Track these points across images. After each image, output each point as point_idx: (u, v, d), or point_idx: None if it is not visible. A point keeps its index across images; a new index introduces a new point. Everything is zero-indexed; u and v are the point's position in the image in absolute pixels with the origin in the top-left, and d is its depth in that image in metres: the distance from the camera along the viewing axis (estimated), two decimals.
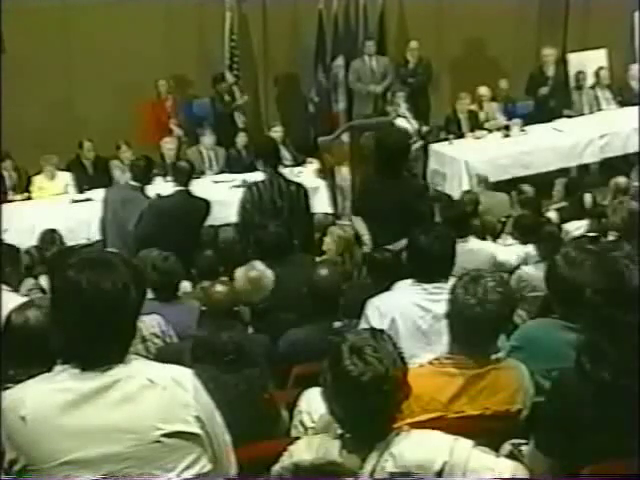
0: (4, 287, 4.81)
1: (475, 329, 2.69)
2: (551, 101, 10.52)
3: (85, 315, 1.98)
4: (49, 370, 2.08)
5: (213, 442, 2.12)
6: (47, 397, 1.99)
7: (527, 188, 7.92)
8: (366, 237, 5.47)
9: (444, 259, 3.55)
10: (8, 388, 2.17)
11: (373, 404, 2.12)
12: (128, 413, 2.00)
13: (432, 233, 3.61)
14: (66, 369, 2.02)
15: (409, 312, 3.44)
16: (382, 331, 2.27)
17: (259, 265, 4.55)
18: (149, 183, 6.71)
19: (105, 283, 1.98)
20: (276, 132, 9.33)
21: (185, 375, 2.10)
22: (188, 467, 2.06)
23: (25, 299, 3.81)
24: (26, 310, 2.74)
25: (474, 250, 5.35)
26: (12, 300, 3.50)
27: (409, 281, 3.60)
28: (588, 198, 8.09)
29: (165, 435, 2.01)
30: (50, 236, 7.23)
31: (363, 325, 3.53)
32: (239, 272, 4.55)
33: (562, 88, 10.69)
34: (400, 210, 5.20)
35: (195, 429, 2.05)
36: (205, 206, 6.26)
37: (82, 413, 1.98)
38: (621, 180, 7.73)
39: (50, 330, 2.16)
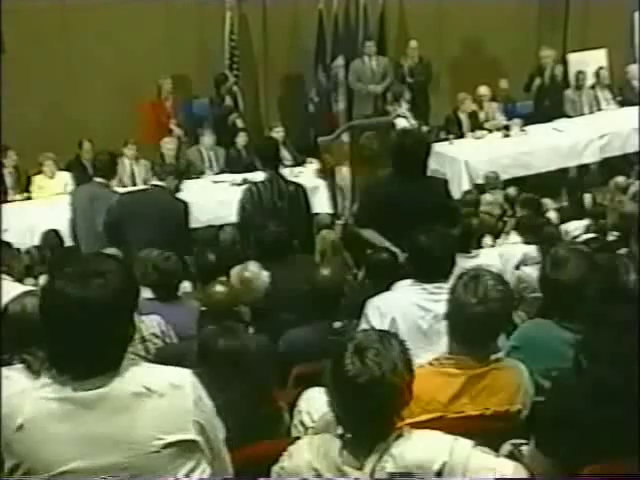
0: (8, 278, 4.83)
1: (476, 328, 2.70)
2: (546, 101, 10.55)
3: (75, 326, 1.95)
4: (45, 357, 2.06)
5: (212, 445, 2.10)
6: (44, 406, 1.98)
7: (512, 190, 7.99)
8: (394, 249, 4.88)
9: (444, 259, 3.55)
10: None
11: (368, 406, 2.11)
12: (124, 423, 1.98)
13: (432, 233, 3.62)
14: (62, 378, 2.00)
15: (409, 312, 3.44)
16: (395, 335, 2.25)
17: (253, 266, 4.55)
18: (113, 178, 6.70)
19: (93, 294, 1.95)
20: (277, 132, 9.33)
21: (184, 378, 2.07)
22: (188, 474, 2.04)
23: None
24: (23, 298, 2.83)
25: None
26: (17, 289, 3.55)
27: (409, 281, 3.60)
28: (588, 198, 8.11)
29: (164, 444, 1.99)
30: (51, 236, 7.24)
31: (363, 325, 3.53)
32: (234, 272, 4.55)
33: (558, 89, 10.71)
34: (426, 210, 4.72)
35: (195, 436, 2.03)
36: (183, 207, 6.03)
37: (78, 423, 1.97)
38: (620, 180, 7.74)
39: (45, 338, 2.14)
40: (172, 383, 2.04)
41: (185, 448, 2.03)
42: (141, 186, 8.22)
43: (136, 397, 1.99)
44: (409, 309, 3.45)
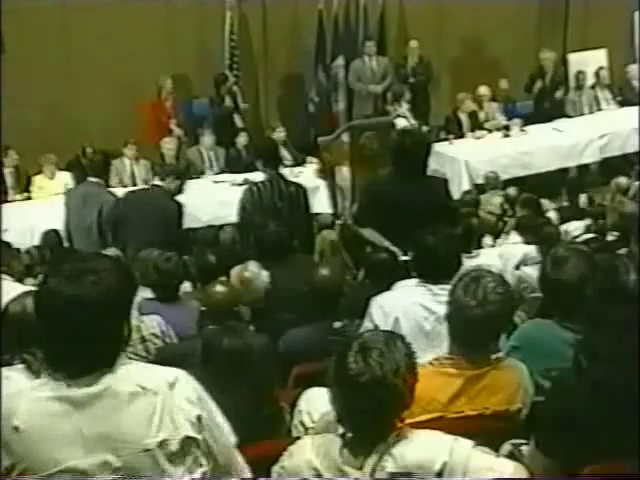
0: (8, 278, 4.84)
1: (475, 330, 2.69)
2: (546, 103, 10.56)
3: (69, 324, 1.96)
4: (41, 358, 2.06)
5: (212, 444, 2.09)
6: (39, 406, 1.98)
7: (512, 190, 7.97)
8: (393, 248, 4.85)
9: (450, 260, 3.54)
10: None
11: (368, 406, 2.12)
12: (119, 421, 1.98)
13: (439, 234, 3.61)
14: (57, 377, 2.00)
15: (413, 312, 3.44)
16: (401, 337, 2.25)
17: (253, 266, 4.55)
18: (107, 177, 6.81)
19: (86, 291, 1.95)
20: (280, 133, 9.35)
21: (179, 377, 2.06)
22: (186, 472, 2.03)
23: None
24: (23, 298, 2.84)
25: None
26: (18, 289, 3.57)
27: (414, 281, 3.59)
28: (583, 198, 8.11)
29: (160, 442, 1.99)
30: (51, 236, 7.23)
31: (367, 324, 3.53)
32: (233, 272, 4.55)
33: (557, 92, 10.72)
34: (426, 210, 4.73)
35: (191, 433, 2.02)
36: (177, 208, 6.04)
37: (74, 422, 1.97)
38: (622, 181, 7.72)
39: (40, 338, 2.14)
40: (167, 381, 2.03)
41: (182, 446, 2.02)
42: (142, 186, 8.23)
43: (131, 396, 1.99)
44: (413, 309, 3.44)
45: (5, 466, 1.99)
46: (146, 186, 6.69)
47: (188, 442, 2.03)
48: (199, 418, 2.05)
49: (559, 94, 10.69)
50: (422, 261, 3.63)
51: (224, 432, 2.14)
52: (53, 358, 2.04)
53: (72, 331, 1.96)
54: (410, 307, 3.45)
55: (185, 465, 2.04)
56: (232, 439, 2.16)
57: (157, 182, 6.18)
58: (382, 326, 3.35)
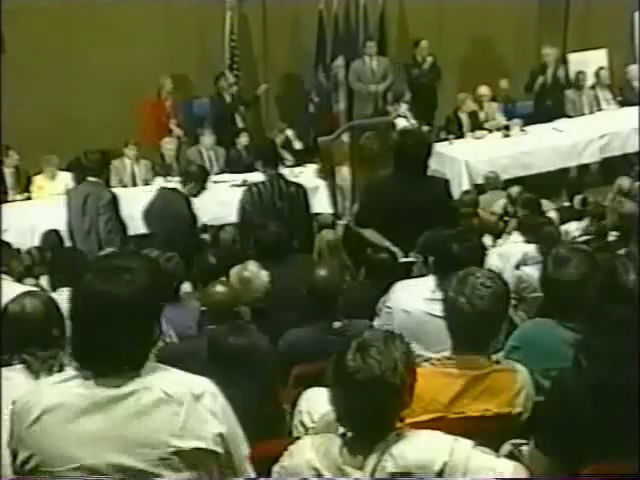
0: (8, 278, 4.84)
1: (469, 328, 2.68)
2: (548, 100, 10.56)
3: (100, 322, 1.96)
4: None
5: (233, 458, 2.08)
6: (61, 402, 1.98)
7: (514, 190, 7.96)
8: (394, 249, 4.91)
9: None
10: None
11: (366, 405, 2.12)
12: (141, 426, 1.97)
13: (465, 243, 3.59)
14: (81, 374, 2.01)
15: (424, 316, 3.44)
16: (400, 337, 2.24)
17: (252, 266, 4.55)
18: (106, 176, 6.89)
19: (121, 291, 1.95)
20: (286, 133, 9.42)
21: (206, 389, 2.05)
22: (198, 477, 2.03)
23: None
24: (23, 298, 2.88)
25: None
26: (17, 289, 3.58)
27: (432, 284, 3.58)
28: (577, 200, 8.10)
29: (178, 451, 1.98)
30: (51, 237, 7.23)
31: (377, 322, 3.53)
32: (233, 271, 4.56)
33: (559, 88, 10.71)
34: (426, 210, 4.76)
35: (211, 446, 2.01)
36: (186, 211, 6.17)
37: (94, 421, 1.97)
38: (625, 182, 7.70)
39: (69, 335, 2.13)
40: (193, 392, 2.02)
41: (200, 457, 2.01)
42: (146, 186, 8.34)
43: (155, 402, 1.98)
44: (425, 314, 3.44)
45: (21, 459, 1.99)
46: (167, 186, 6.80)
47: (208, 454, 2.02)
48: (224, 432, 2.04)
49: (560, 75, 10.65)
50: (444, 266, 3.58)
51: (242, 444, 2.14)
52: (82, 355, 2.03)
53: (103, 329, 1.96)
54: (422, 313, 3.45)
55: (199, 473, 2.03)
56: (246, 449, 2.16)
57: (178, 187, 6.32)
58: (390, 325, 3.36)
